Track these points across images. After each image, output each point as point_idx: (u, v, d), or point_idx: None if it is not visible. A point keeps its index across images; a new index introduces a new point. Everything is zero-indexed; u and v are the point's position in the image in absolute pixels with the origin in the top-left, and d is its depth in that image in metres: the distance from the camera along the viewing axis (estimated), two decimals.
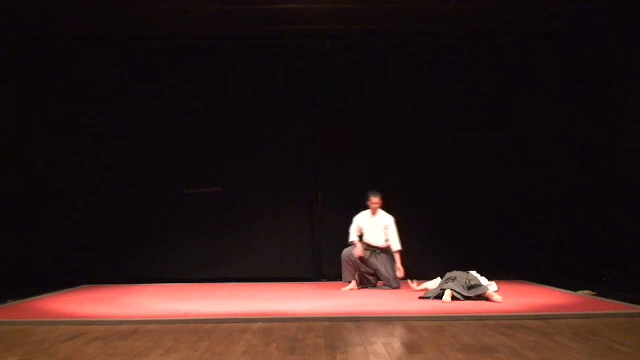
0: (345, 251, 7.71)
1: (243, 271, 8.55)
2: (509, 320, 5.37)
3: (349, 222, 7.89)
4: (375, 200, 7.73)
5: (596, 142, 8.80)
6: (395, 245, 7.65)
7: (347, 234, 7.99)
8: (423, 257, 8.45)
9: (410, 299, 6.65)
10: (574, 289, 7.03)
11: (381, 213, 7.78)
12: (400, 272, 7.58)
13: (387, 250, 7.70)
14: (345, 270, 7.69)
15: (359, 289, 7.62)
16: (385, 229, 7.70)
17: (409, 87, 8.88)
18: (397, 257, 7.63)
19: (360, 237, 7.76)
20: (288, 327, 5.14)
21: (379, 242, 7.70)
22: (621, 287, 6.91)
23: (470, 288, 6.37)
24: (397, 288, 7.53)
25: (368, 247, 7.71)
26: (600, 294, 6.68)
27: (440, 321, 5.36)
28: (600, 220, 8.60)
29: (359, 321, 5.40)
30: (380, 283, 7.76)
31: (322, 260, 8.70)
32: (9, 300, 6.69)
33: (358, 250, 7.62)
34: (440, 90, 8.89)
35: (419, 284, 7.26)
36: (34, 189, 8.78)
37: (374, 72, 8.90)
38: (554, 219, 8.73)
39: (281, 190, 8.67)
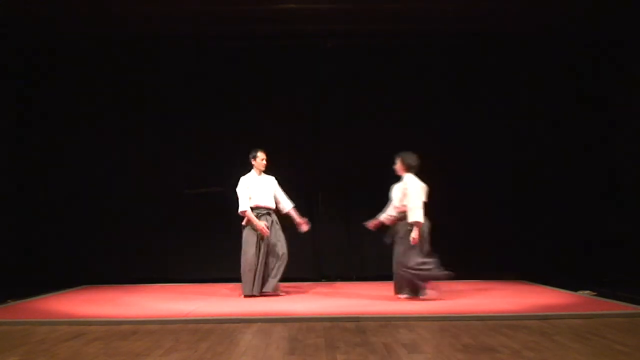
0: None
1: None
2: (509, 320, 5.37)
3: (349, 223, 7.88)
4: (264, 156, 7.17)
5: (596, 142, 8.80)
6: (288, 204, 7.26)
7: (347, 234, 7.98)
8: None
9: (410, 299, 6.64)
10: (574, 289, 7.03)
11: (263, 174, 7.26)
12: (305, 226, 7.19)
13: (275, 213, 7.21)
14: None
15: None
16: (274, 190, 7.24)
17: (409, 87, 8.88)
18: (294, 214, 7.22)
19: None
20: (288, 327, 5.14)
21: (270, 203, 7.15)
22: (621, 287, 6.91)
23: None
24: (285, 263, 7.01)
25: (258, 209, 7.06)
26: (600, 294, 6.68)
27: (440, 321, 5.36)
28: (600, 220, 8.60)
29: (359, 321, 5.40)
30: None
31: (322, 260, 8.70)
32: (9, 300, 6.69)
33: (263, 226, 6.93)
34: (440, 90, 8.90)
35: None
36: (33, 189, 8.78)
37: (374, 72, 8.90)
38: (554, 218, 8.73)
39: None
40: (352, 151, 8.74)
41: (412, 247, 6.39)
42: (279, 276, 7.04)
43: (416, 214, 6.39)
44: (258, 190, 7.16)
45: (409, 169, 6.63)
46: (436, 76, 8.93)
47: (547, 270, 8.34)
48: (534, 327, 5.04)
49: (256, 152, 7.22)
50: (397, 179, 8.54)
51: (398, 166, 6.71)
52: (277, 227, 7.20)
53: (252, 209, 7.07)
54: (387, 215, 6.82)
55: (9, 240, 8.38)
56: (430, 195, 8.65)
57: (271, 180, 7.32)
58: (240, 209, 7.00)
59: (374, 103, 8.88)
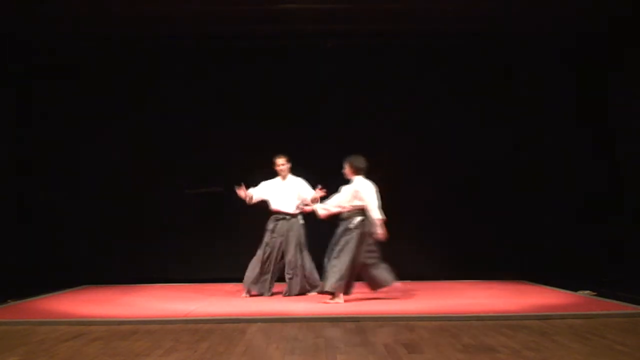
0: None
1: (243, 271, 8.53)
2: (509, 320, 5.37)
3: None
4: (281, 162, 7.30)
5: (596, 142, 8.80)
6: (310, 193, 7.24)
7: None
8: (421, 257, 8.47)
9: (410, 299, 6.64)
10: (574, 289, 7.03)
11: (290, 177, 7.37)
12: (320, 191, 7.10)
13: (295, 218, 7.32)
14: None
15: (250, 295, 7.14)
16: (299, 193, 7.32)
17: (409, 87, 8.88)
18: (315, 194, 7.16)
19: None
20: (288, 327, 5.14)
21: (289, 208, 7.29)
22: (621, 287, 6.91)
23: None
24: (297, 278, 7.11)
25: (277, 214, 7.30)
26: (600, 294, 6.68)
27: (440, 321, 5.36)
28: (601, 220, 8.59)
29: (359, 321, 5.40)
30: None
31: (322, 260, 8.67)
32: (9, 300, 6.69)
33: (243, 194, 7.22)
34: (440, 90, 8.90)
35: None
36: (34, 189, 8.77)
37: (374, 72, 8.90)
38: (554, 218, 8.73)
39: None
40: (352, 151, 8.71)
41: (345, 248, 6.52)
42: (294, 286, 7.16)
43: (377, 212, 6.54)
44: (276, 195, 7.32)
45: (357, 171, 6.75)
46: (436, 76, 8.92)
47: (547, 270, 8.34)
48: (534, 327, 5.04)
49: (275, 159, 7.36)
50: (396, 183, 8.64)
51: (347, 170, 6.80)
52: (292, 234, 7.24)
53: (272, 212, 7.30)
54: (324, 207, 6.87)
55: (9, 240, 8.37)
56: (432, 195, 8.70)
57: (298, 185, 7.36)
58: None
59: (374, 103, 8.88)
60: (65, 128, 8.84)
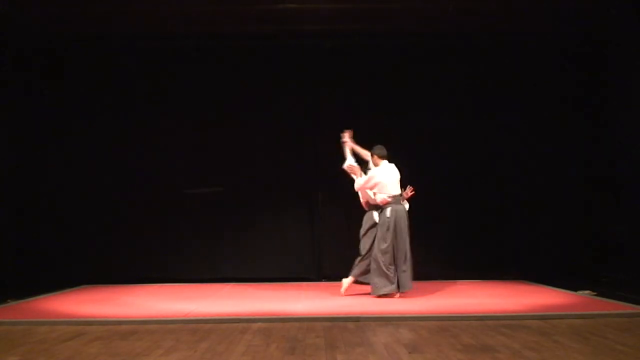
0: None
1: (243, 271, 8.55)
2: (509, 320, 5.37)
3: (349, 222, 7.88)
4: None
5: (596, 142, 8.80)
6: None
7: (347, 234, 7.96)
8: (422, 257, 8.44)
9: (410, 299, 6.65)
10: (574, 289, 7.03)
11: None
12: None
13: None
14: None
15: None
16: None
17: (409, 87, 8.88)
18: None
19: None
20: (288, 327, 5.15)
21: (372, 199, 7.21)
22: (621, 287, 6.91)
23: None
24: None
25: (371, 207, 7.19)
26: (600, 294, 6.69)
27: (440, 321, 5.37)
28: (600, 220, 8.60)
29: (359, 321, 5.40)
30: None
31: (322, 260, 8.69)
32: (9, 300, 6.69)
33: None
34: (440, 90, 8.90)
35: None
36: (34, 189, 8.77)
37: (374, 72, 8.90)
38: (554, 218, 8.73)
39: (281, 190, 8.67)
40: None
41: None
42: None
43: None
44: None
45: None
46: (436, 76, 8.91)
47: (547, 270, 8.34)
48: (534, 327, 5.05)
49: (379, 150, 7.30)
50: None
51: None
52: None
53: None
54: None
55: (9, 240, 8.37)
56: (432, 195, 8.70)
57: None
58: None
59: (374, 103, 8.87)
60: (64, 128, 8.83)
